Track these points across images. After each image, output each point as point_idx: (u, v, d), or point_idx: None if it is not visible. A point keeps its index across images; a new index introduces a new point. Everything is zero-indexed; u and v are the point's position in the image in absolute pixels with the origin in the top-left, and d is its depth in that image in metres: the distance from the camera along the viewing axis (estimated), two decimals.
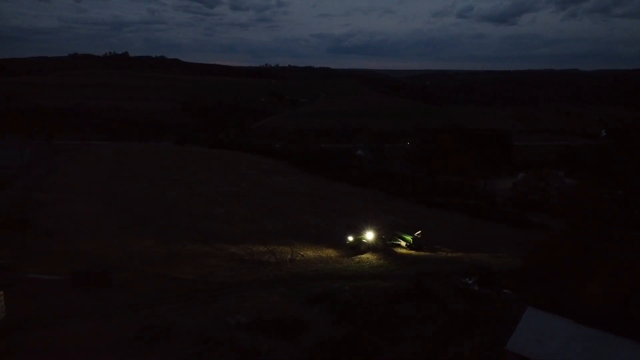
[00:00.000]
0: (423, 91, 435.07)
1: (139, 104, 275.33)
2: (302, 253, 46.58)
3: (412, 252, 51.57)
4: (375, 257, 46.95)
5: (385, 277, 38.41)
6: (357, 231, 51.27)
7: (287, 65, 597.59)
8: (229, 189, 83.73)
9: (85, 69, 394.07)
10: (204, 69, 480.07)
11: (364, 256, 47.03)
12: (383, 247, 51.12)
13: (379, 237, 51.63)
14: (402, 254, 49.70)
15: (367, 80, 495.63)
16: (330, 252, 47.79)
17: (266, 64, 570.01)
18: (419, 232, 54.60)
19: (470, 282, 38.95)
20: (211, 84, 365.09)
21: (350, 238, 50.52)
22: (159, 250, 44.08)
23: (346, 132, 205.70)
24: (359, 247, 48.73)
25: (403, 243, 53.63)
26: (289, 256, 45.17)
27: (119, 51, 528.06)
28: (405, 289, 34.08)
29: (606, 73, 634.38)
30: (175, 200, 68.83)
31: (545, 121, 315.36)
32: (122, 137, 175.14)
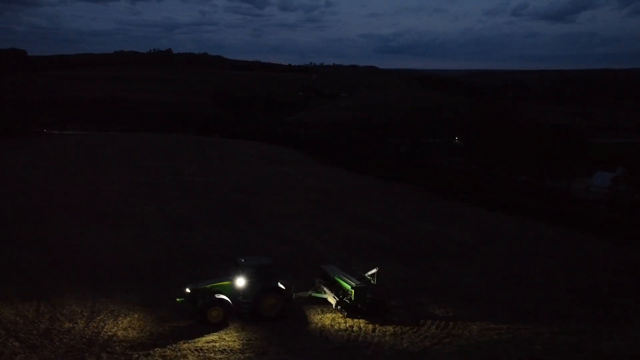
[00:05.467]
0: (471, 87, 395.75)
1: (175, 97, 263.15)
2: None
3: (355, 321, 20.11)
4: (245, 338, 16.60)
5: None
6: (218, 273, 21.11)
7: (331, 64, 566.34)
8: (200, 179, 56.69)
9: (127, 64, 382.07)
10: (247, 65, 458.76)
11: (213, 338, 17.00)
12: (277, 304, 19.25)
13: (265, 285, 19.35)
14: (324, 339, 17.98)
15: (413, 77, 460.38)
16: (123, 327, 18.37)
17: (311, 63, 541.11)
18: (375, 270, 22.22)
19: None
20: (250, 79, 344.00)
21: (188, 290, 18.95)
22: None
23: (385, 125, 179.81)
24: (205, 311, 18.17)
25: (331, 298, 21.55)
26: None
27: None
28: None
29: None
30: (90, 191, 42.48)
31: (608, 119, 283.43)
32: (144, 127, 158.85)
